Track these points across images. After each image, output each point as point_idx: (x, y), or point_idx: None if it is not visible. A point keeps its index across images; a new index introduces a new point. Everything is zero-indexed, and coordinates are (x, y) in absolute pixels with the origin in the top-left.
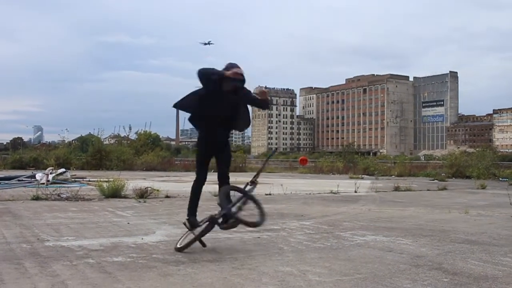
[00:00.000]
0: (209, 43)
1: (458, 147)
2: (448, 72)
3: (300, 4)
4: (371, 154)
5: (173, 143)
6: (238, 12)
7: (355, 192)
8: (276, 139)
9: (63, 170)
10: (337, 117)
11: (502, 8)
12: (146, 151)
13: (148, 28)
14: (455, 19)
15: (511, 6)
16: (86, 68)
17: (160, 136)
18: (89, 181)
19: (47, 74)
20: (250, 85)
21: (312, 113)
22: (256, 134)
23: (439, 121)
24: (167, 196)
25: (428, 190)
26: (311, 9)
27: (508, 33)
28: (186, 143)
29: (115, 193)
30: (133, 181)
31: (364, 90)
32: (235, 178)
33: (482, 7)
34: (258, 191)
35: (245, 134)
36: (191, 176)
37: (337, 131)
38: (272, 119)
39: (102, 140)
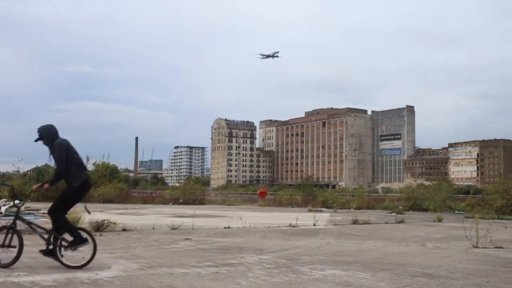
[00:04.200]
0: (274, 56)
1: (415, 180)
2: (405, 106)
3: (260, 38)
4: (330, 186)
5: (131, 174)
6: (201, 44)
7: (314, 225)
8: (235, 171)
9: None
10: (297, 150)
11: (458, 45)
12: (104, 183)
13: (111, 58)
14: (412, 55)
15: (467, 43)
16: (45, 98)
17: (119, 168)
18: (44, 213)
19: (2, 102)
20: (212, 118)
21: (272, 145)
22: (215, 166)
23: (396, 154)
24: (124, 229)
25: (386, 223)
26: (271, 43)
27: (463, 69)
28: (144, 175)
29: None
30: (90, 214)
31: (323, 123)
32: (193, 211)
33: (439, 43)
34: (217, 224)
35: (205, 166)
36: (150, 209)
37: (297, 164)
38: (231, 151)
39: None
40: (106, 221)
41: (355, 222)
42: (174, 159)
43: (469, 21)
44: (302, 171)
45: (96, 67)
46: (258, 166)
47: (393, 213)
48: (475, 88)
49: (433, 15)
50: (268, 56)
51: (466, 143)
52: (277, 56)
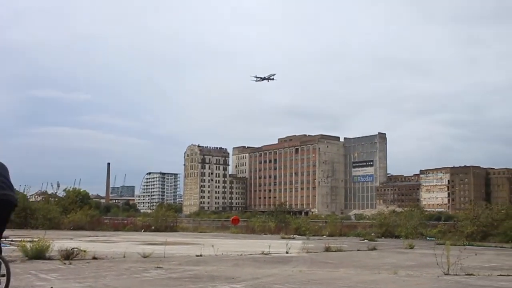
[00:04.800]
0: (269, 78)
1: (387, 207)
2: (377, 133)
3: (234, 64)
4: (302, 213)
5: (103, 201)
6: (174, 70)
7: (287, 252)
8: (208, 198)
9: None
10: (270, 176)
11: (429, 73)
12: (75, 209)
13: (81, 84)
14: (384, 82)
15: (438, 71)
16: (13, 123)
17: (90, 194)
18: (11, 241)
19: None
20: (185, 144)
21: (245, 172)
22: (188, 193)
23: (368, 181)
24: (94, 258)
25: (358, 250)
26: (245, 69)
27: (434, 97)
28: (116, 201)
29: (39, 254)
30: (60, 241)
31: (296, 150)
32: (165, 239)
33: (410, 72)
34: (189, 252)
35: (177, 192)
36: (121, 236)
37: (270, 190)
38: (204, 177)
39: (28, 197)
40: (76, 249)
41: (327, 249)
42: (147, 186)
43: (439, 50)
44: (275, 197)
45: (65, 92)
46: (231, 193)
47: (366, 240)
48: (446, 115)
49: (405, 44)
50: (263, 79)
51: (437, 169)
52: (272, 79)
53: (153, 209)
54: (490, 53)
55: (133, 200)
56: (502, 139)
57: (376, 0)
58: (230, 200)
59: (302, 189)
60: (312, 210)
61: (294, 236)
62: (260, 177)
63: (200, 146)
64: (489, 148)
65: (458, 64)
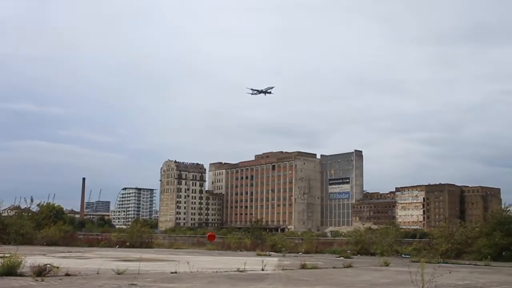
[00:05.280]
0: (266, 92)
1: (363, 224)
2: (354, 151)
3: (211, 81)
4: (279, 230)
5: (77, 216)
6: (151, 85)
7: (262, 270)
8: (184, 214)
9: None
10: (246, 193)
11: (405, 92)
12: (48, 225)
13: (57, 97)
14: (360, 102)
15: (414, 91)
16: None
17: (64, 209)
18: None
19: None
20: (161, 160)
21: (221, 188)
22: (164, 209)
23: (345, 198)
24: (67, 274)
25: (334, 267)
26: (222, 86)
27: (410, 116)
28: (91, 216)
29: (10, 271)
30: (32, 257)
31: (273, 167)
32: (140, 255)
33: (387, 91)
34: (164, 269)
35: (153, 208)
36: (95, 252)
37: (246, 207)
38: (180, 193)
39: (1, 212)
40: (48, 265)
41: (303, 266)
42: (122, 201)
43: (416, 70)
44: (251, 214)
45: (41, 106)
46: (207, 209)
47: (341, 257)
48: (422, 134)
49: (382, 63)
50: (260, 92)
51: (412, 187)
52: (270, 92)
53: (129, 224)
54: (465, 73)
55: (108, 215)
56: (476, 157)
57: (354, 20)
58: (206, 216)
59: (278, 205)
60: (289, 227)
61: (270, 253)
62: (236, 194)
63: (176, 162)
64: (464, 166)
65: (435, 85)
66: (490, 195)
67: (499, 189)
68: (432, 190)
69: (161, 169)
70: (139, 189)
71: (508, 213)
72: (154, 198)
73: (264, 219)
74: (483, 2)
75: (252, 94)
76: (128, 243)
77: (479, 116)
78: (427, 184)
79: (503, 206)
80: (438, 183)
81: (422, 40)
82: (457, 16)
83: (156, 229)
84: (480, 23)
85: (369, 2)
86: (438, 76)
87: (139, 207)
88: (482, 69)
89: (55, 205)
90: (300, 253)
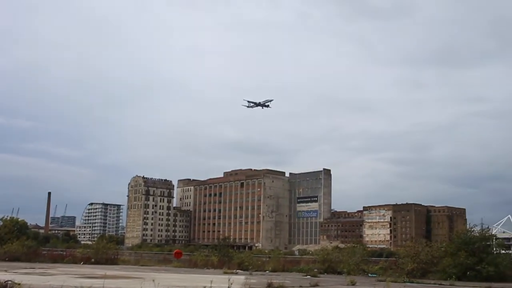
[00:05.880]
0: (264, 105)
1: (331, 242)
2: (322, 169)
3: (182, 97)
4: (246, 248)
5: (42, 231)
6: (120, 100)
7: None
8: (151, 230)
9: None
10: (214, 210)
11: (374, 112)
12: (11, 240)
13: (24, 110)
14: (330, 121)
15: (383, 111)
16: None
17: (28, 224)
18: None
19: None
20: (129, 175)
21: (189, 205)
22: (131, 225)
23: (313, 216)
24: None
25: (300, 286)
26: (193, 102)
27: (378, 136)
28: (56, 231)
29: None
30: None
31: (242, 184)
32: (105, 272)
33: (356, 111)
34: (129, 286)
35: (120, 224)
36: (59, 268)
37: (214, 224)
38: (148, 209)
39: None
40: (9, 282)
41: (270, 285)
42: (88, 216)
43: (385, 91)
44: (219, 231)
45: (7, 118)
46: (175, 226)
47: (308, 276)
48: (390, 153)
49: (352, 83)
50: (257, 105)
51: (380, 206)
52: (268, 106)
53: (94, 240)
54: (433, 94)
55: (74, 231)
56: (443, 177)
57: (325, 40)
58: (173, 233)
59: (246, 223)
60: (256, 245)
61: (237, 271)
62: (204, 210)
63: (144, 178)
64: (431, 186)
65: (403, 104)
66: (455, 215)
67: (465, 209)
68: (399, 210)
69: (128, 184)
70: (106, 205)
71: (472, 233)
72: (121, 214)
73: (231, 237)
74: (450, 26)
75: (248, 107)
76: (93, 260)
77: (446, 137)
78: (394, 203)
79: (468, 226)
80: (405, 202)
81: (391, 61)
82: (425, 39)
83: (122, 246)
84: (447, 46)
85: (340, 22)
86: (407, 97)
87: (106, 223)
88: (450, 90)
89: (19, 219)
90: (267, 271)
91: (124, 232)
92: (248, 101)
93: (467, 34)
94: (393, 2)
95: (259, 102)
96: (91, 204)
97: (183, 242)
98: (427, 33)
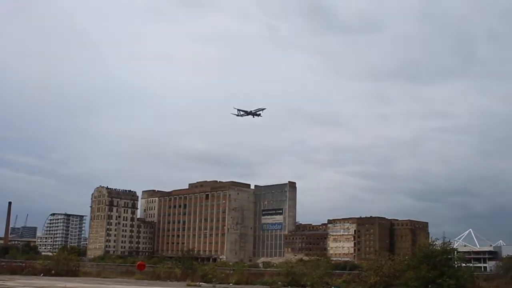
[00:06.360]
0: (255, 114)
1: (295, 255)
2: (287, 182)
3: (148, 106)
4: (210, 260)
5: (1, 242)
6: (85, 110)
7: None
8: (114, 241)
9: None
10: (179, 222)
11: (340, 126)
12: None
13: None
14: (297, 133)
15: (349, 125)
16: None
17: None
18: None
19: None
20: (92, 186)
21: (154, 216)
22: (93, 236)
23: (277, 229)
24: None
25: None
26: (160, 112)
27: (344, 149)
28: (16, 242)
29: None
30: None
31: (207, 196)
32: (65, 284)
33: (323, 124)
34: None
35: (82, 235)
36: (18, 280)
37: (178, 236)
38: (111, 220)
39: None
40: None
41: None
42: (50, 227)
43: (352, 105)
44: (183, 243)
45: None
46: (138, 237)
47: None
48: (356, 167)
49: (318, 97)
50: (248, 113)
51: (344, 219)
52: (259, 115)
53: (56, 252)
54: (398, 109)
55: (35, 241)
56: (407, 191)
57: (293, 53)
58: (137, 245)
59: (211, 235)
60: (221, 257)
61: (201, 283)
62: (169, 222)
63: (108, 188)
64: (395, 200)
65: (369, 118)
66: (418, 228)
67: (427, 223)
68: (363, 223)
69: (92, 195)
70: (68, 215)
71: (434, 247)
72: (83, 225)
73: (196, 249)
74: (416, 43)
75: (238, 115)
76: (53, 271)
77: (411, 151)
78: (359, 216)
79: (430, 240)
80: (369, 216)
81: (358, 76)
82: (391, 54)
83: (84, 257)
84: (413, 62)
85: (307, 36)
86: (373, 111)
87: (68, 234)
88: (414, 106)
89: None
90: (231, 284)
91: (86, 244)
92: (238, 110)
93: (433, 51)
94: (360, 17)
95: (251, 111)
96: (53, 214)
97: (147, 254)
98: (393, 48)
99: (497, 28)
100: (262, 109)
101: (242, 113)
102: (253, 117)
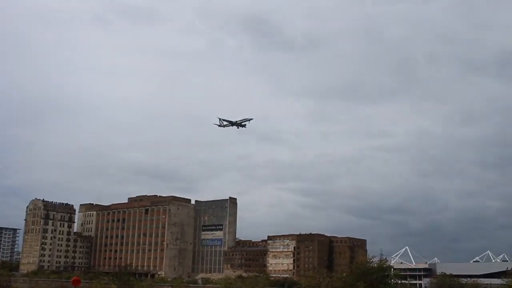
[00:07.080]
0: (240, 124)
1: (234, 271)
2: (228, 198)
3: (88, 118)
4: (149, 276)
5: None
6: (22, 122)
7: None
8: (49, 256)
9: None
10: (117, 236)
11: (282, 142)
12: None
13: None
14: (240, 149)
15: (291, 141)
16: None
17: None
18: None
19: None
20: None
21: (91, 230)
22: (27, 250)
23: (217, 244)
24: None
25: None
26: (101, 125)
27: (285, 165)
28: None
29: None
30: None
31: (146, 211)
32: None
33: (265, 140)
34: None
35: (15, 249)
36: None
37: (116, 251)
38: (46, 234)
39: None
40: None
41: None
42: None
43: (294, 122)
44: (121, 258)
45: None
46: (75, 252)
47: None
48: (296, 184)
49: (263, 113)
50: (233, 124)
51: (284, 236)
52: (244, 126)
53: None
54: (339, 127)
55: None
56: (346, 208)
57: (236, 68)
58: (73, 260)
59: (150, 250)
60: (159, 273)
61: None
62: (106, 237)
63: (44, 201)
64: (334, 217)
65: (310, 135)
66: (356, 245)
67: (365, 240)
68: (302, 240)
69: (27, 207)
70: (1, 228)
71: (371, 264)
72: (17, 238)
73: (134, 264)
74: (359, 63)
75: (220, 126)
76: None
77: (351, 169)
78: (299, 233)
79: (368, 257)
80: (309, 232)
81: (301, 93)
82: (334, 73)
83: (17, 272)
84: (355, 81)
85: (251, 52)
86: (314, 128)
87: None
88: (355, 124)
89: None
90: None
91: (19, 258)
92: (222, 120)
93: (375, 71)
94: (304, 35)
95: (236, 121)
96: None
97: (83, 269)
98: (336, 67)
99: (436, 51)
100: (249, 120)
101: (226, 123)
102: (238, 127)
